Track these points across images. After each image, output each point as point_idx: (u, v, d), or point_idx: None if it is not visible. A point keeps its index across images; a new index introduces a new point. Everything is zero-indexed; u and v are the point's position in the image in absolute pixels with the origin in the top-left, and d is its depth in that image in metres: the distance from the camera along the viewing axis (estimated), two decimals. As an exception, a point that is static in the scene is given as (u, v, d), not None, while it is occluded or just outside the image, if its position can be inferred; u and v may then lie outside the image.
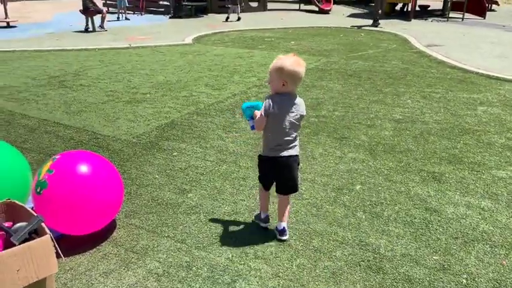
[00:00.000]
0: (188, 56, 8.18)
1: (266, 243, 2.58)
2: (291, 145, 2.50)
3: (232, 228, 2.74)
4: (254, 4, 16.45)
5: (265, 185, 2.68)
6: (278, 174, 2.56)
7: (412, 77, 6.55)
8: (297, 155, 2.54)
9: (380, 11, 12.02)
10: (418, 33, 10.77)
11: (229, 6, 13.69)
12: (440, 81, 6.34)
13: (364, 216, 2.86)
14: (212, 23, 13.22)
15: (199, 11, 15.03)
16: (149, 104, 5.28)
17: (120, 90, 5.87)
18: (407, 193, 3.16)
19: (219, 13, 15.00)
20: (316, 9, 15.95)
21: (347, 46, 9.20)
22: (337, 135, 4.28)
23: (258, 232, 2.69)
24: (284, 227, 2.60)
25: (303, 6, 17.05)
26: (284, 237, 2.60)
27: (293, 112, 2.46)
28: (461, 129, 4.43)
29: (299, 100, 2.53)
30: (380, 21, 13.17)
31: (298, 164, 2.59)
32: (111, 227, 2.72)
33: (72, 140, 4.15)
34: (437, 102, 5.32)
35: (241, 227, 2.75)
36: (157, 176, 3.42)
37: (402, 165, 3.62)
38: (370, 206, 2.98)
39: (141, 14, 15.14)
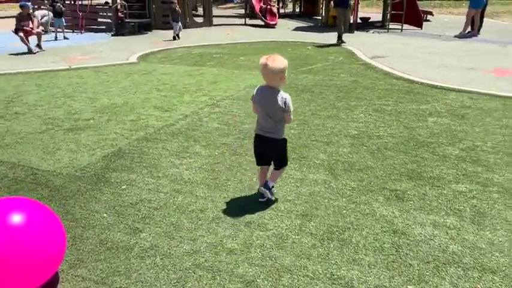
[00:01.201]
0: (134, 76, 7.81)
1: (232, 286, 2.35)
2: (269, 130, 3.13)
3: (192, 271, 2.49)
4: (199, 20, 16.28)
5: (256, 159, 3.32)
6: (260, 148, 3.25)
7: (362, 90, 6.63)
8: (275, 139, 3.14)
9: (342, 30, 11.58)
10: (361, 45, 11.06)
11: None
12: (389, 93, 6.45)
13: (332, 245, 2.72)
14: (157, 39, 12.87)
15: (142, 28, 14.61)
16: (93, 131, 4.90)
17: (60, 117, 5.42)
18: (372, 215, 3.07)
19: (164, 29, 14.67)
20: (262, 23, 16.05)
21: (295, 60, 9.23)
22: (296, 155, 4.16)
23: (221, 274, 2.46)
24: (267, 184, 3.21)
25: (248, 21, 17.10)
26: (265, 197, 3.23)
27: (272, 103, 3.05)
28: (415, 142, 4.46)
29: (280, 94, 3.06)
30: (326, 33, 13.46)
31: (283, 147, 3.22)
32: (53, 282, 2.38)
33: (6, 178, 3.70)
34: (389, 115, 5.37)
35: (203, 269, 2.51)
36: (105, 215, 3.09)
37: (364, 184, 3.55)
38: (337, 233, 2.85)
39: (81, 33, 14.47)
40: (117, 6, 14.11)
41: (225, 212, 3.13)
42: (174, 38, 12.76)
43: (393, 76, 7.59)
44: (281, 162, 3.29)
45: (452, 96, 6.22)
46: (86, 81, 7.43)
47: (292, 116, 3.18)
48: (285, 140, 3.23)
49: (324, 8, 15.69)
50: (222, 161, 4.04)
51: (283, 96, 3.06)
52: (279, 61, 3.02)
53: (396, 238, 2.77)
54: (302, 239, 2.79)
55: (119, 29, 13.92)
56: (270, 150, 3.22)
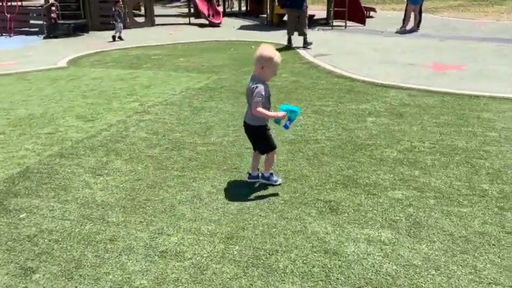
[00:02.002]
0: (60, 82, 7.17)
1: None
2: (246, 116, 3.43)
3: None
4: (141, 19, 15.57)
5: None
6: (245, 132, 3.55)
7: (302, 90, 6.41)
8: (248, 124, 3.38)
9: (305, 31, 10.26)
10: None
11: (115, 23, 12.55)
12: (329, 92, 6.28)
13: (257, 273, 2.41)
14: (93, 41, 12.11)
15: (78, 29, 13.74)
16: (0, 148, 4.32)
17: (-36, 132, 4.79)
18: (304, 232, 2.79)
19: (102, 30, 13.87)
20: (207, 22, 15.60)
21: (238, 60, 8.92)
22: (228, 166, 3.83)
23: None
24: (264, 175, 3.50)
25: (193, 20, 16.58)
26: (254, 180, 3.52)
27: (248, 90, 3.28)
28: (353, 145, 4.26)
29: (255, 83, 3.22)
30: (270, 32, 13.25)
31: (256, 134, 3.41)
32: None
33: None
34: (328, 117, 5.17)
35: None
36: (-7, 253, 2.62)
37: (297, 196, 3.28)
38: (264, 257, 2.54)
39: (10, 36, 13.39)
40: (49, 6, 13.17)
41: (139, 240, 2.74)
42: (114, 39, 12.05)
43: (335, 75, 7.45)
44: (260, 149, 3.47)
45: (392, 93, 6.14)
46: (5, 90, 6.72)
47: (259, 109, 3.16)
48: (258, 128, 3.34)
49: (268, 6, 15.47)
50: (145, 177, 3.64)
51: (256, 85, 3.19)
52: (263, 50, 3.16)
53: (327, 260, 2.50)
54: (224, 268, 2.46)
55: (52, 31, 12.99)
56: (247, 135, 3.52)
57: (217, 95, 6.23)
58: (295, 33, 10.35)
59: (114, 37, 12.06)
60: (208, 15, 15.52)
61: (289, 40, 10.48)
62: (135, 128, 4.86)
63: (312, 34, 12.91)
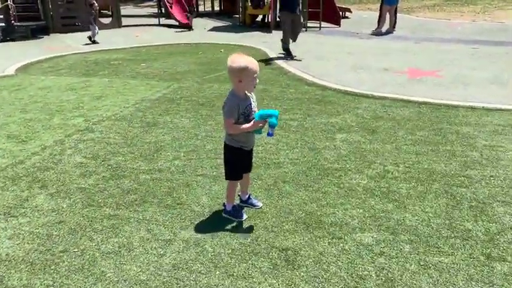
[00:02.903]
0: (2, 93, 6.45)
1: None
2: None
3: None
4: (107, 20, 14.78)
5: None
6: None
7: (269, 101, 5.87)
8: (224, 142, 2.93)
9: (291, 41, 9.04)
10: (278, 46, 10.37)
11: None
12: (298, 103, 5.76)
13: None
14: (52, 45, 11.32)
15: (39, 32, 12.89)
16: None
17: None
18: (250, 297, 2.26)
19: (65, 32, 13.07)
20: (177, 23, 14.92)
21: (204, 66, 8.33)
22: (172, 200, 3.26)
23: None
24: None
25: (164, 21, 15.87)
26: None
27: (223, 104, 2.85)
28: (320, 169, 3.74)
29: (227, 97, 2.83)
30: (242, 33, 12.70)
31: (224, 154, 2.95)
32: None
33: None
34: (294, 133, 4.65)
35: None
36: None
37: (248, 242, 2.73)
38: None
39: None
40: (5, 7, 12.28)
41: (39, 315, 2.15)
42: (91, 41, 11.41)
43: (306, 82, 6.94)
44: (225, 172, 3.00)
45: (364, 104, 5.66)
46: None
47: (229, 123, 2.76)
48: (229, 148, 2.89)
49: (240, 6, 14.89)
50: (68, 218, 3.03)
51: (227, 99, 2.80)
52: (234, 61, 2.69)
53: None
54: None
55: (8, 33, 12.11)
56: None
57: (175, 107, 5.63)
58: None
59: (90, 38, 11.47)
60: (187, 15, 14.83)
61: (287, 50, 9.01)
62: (72, 150, 4.23)
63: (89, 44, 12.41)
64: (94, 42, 11.54)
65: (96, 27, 11.77)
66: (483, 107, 5.36)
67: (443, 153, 4.00)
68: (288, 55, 8.99)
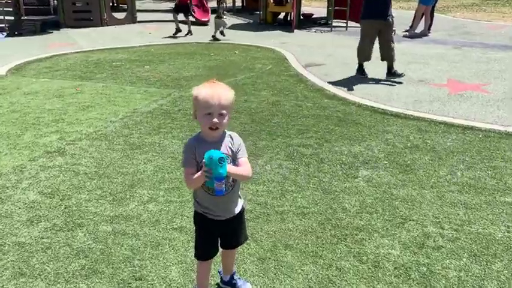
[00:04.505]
0: (-18, 99, 5.76)
1: None
2: None
3: None
4: (121, 15, 14.09)
5: None
6: None
7: (281, 118, 4.95)
8: None
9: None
10: (299, 48, 9.43)
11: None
12: (315, 122, 4.82)
13: None
14: (60, 41, 10.68)
15: (48, 26, 12.31)
16: None
17: None
18: None
19: (77, 27, 12.45)
20: (194, 20, 14.11)
21: (214, 70, 7.46)
22: (128, 273, 2.40)
23: None
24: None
25: (181, 17, 15.07)
26: None
27: None
28: (335, 227, 2.81)
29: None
30: (262, 32, 11.78)
31: None
32: None
33: None
34: (306, 166, 3.72)
35: None
36: None
37: None
38: None
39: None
40: (16, 0, 11.75)
41: None
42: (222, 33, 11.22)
43: (326, 94, 5.98)
44: None
45: (395, 127, 4.67)
46: None
47: (184, 175, 1.94)
48: (194, 213, 2.09)
49: (261, 3, 13.91)
50: (-17, 298, 2.23)
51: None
52: (195, 88, 1.92)
53: None
54: None
55: (15, 28, 11.57)
56: None
57: (169, 123, 4.78)
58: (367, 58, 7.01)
59: (222, 33, 11.22)
60: (194, 11, 14.01)
61: (361, 68, 7.02)
62: (30, 182, 3.43)
63: (307, 37, 11.44)
64: (222, 33, 11.26)
65: (225, 21, 11.58)
66: (547, 136, 4.31)
67: (502, 209, 3.01)
68: (361, 72, 6.97)
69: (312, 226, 2.84)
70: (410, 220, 2.89)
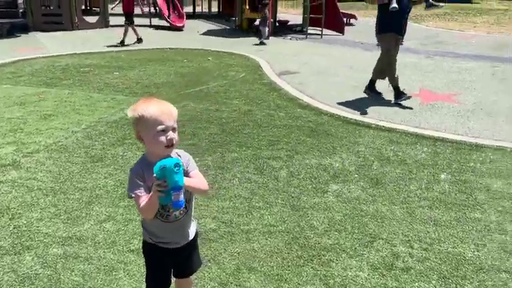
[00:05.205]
0: None
1: None
2: None
3: None
4: (93, 19, 13.74)
5: None
6: None
7: (251, 129, 4.82)
8: None
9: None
10: (273, 55, 9.36)
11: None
12: (286, 133, 4.71)
13: None
14: (27, 45, 10.30)
15: (16, 30, 11.88)
16: None
17: None
18: None
19: (47, 31, 12.05)
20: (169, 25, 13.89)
21: (185, 77, 7.28)
22: (81, 298, 2.22)
23: None
24: None
25: (157, 22, 14.84)
26: None
27: None
28: (302, 247, 2.67)
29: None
30: (237, 39, 11.66)
31: None
32: None
33: None
34: (275, 180, 3.59)
35: None
36: None
37: None
38: None
39: None
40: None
41: None
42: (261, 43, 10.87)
43: (299, 103, 5.89)
44: None
45: (367, 138, 4.60)
46: None
47: (136, 204, 1.71)
48: (144, 244, 1.91)
49: (237, 9, 13.80)
50: None
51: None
52: (132, 108, 1.74)
53: None
54: None
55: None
56: None
57: (134, 136, 4.59)
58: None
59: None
60: (169, 16, 13.82)
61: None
62: (-25, 201, 3.19)
63: (283, 44, 11.39)
64: (261, 43, 11.05)
65: (266, 29, 11.32)
66: (516, 149, 4.31)
67: (472, 225, 2.94)
68: (399, 97, 5.87)
69: (278, 246, 2.70)
70: (379, 239, 2.79)
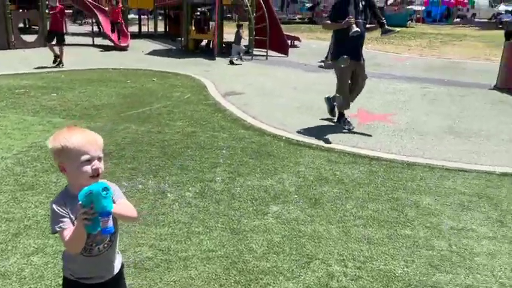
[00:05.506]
0: None
1: None
2: None
3: None
4: (31, 38, 13.17)
5: None
6: None
7: (194, 151, 4.79)
8: None
9: None
10: (219, 76, 9.44)
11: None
12: (229, 154, 4.73)
13: None
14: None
15: None
16: None
17: None
18: None
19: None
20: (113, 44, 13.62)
21: (128, 98, 7.14)
22: None
23: None
24: None
25: (100, 41, 14.50)
26: None
27: None
28: (241, 272, 2.67)
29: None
30: (183, 59, 11.63)
31: None
32: None
33: None
34: (216, 203, 3.59)
35: None
36: None
37: None
38: None
39: None
40: None
41: None
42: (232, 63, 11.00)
43: (243, 124, 5.95)
44: None
45: (308, 158, 4.73)
46: None
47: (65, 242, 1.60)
48: (65, 281, 1.82)
49: (183, 29, 13.82)
50: None
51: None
52: (52, 138, 1.66)
53: None
54: None
55: None
56: None
57: (71, 158, 4.42)
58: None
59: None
60: (119, 36, 13.56)
61: (343, 116, 6.04)
62: None
63: (230, 65, 11.52)
64: (232, 63, 11.34)
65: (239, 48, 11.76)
66: (443, 166, 4.59)
67: (402, 242, 3.09)
68: (342, 121, 6.00)
69: (217, 272, 2.68)
70: (316, 259, 2.85)
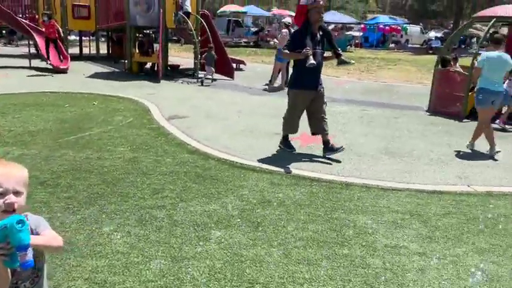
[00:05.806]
0: None
1: None
2: None
3: None
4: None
5: None
6: None
7: (135, 177, 4.70)
8: None
9: None
10: (163, 99, 9.36)
11: None
12: (172, 179, 4.68)
13: None
14: None
15: None
16: None
17: None
18: None
19: None
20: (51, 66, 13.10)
21: (66, 123, 6.87)
22: None
23: None
24: None
25: (36, 63, 13.89)
26: None
27: None
28: (181, 300, 2.66)
29: None
30: (126, 82, 11.41)
31: None
32: None
33: None
34: (157, 232, 3.52)
35: None
36: None
37: None
38: None
39: None
40: None
41: None
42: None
43: (187, 148, 5.93)
44: None
45: (251, 181, 4.79)
46: None
47: None
48: None
49: (127, 51, 13.60)
50: None
51: None
52: None
53: None
54: None
55: None
56: None
57: None
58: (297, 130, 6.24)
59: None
60: (60, 58, 13.05)
61: (286, 140, 6.17)
62: None
63: (173, 88, 11.46)
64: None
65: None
66: (378, 185, 4.83)
67: (340, 262, 3.20)
68: (287, 146, 6.12)
69: (155, 303, 2.63)
70: (257, 283, 2.88)
